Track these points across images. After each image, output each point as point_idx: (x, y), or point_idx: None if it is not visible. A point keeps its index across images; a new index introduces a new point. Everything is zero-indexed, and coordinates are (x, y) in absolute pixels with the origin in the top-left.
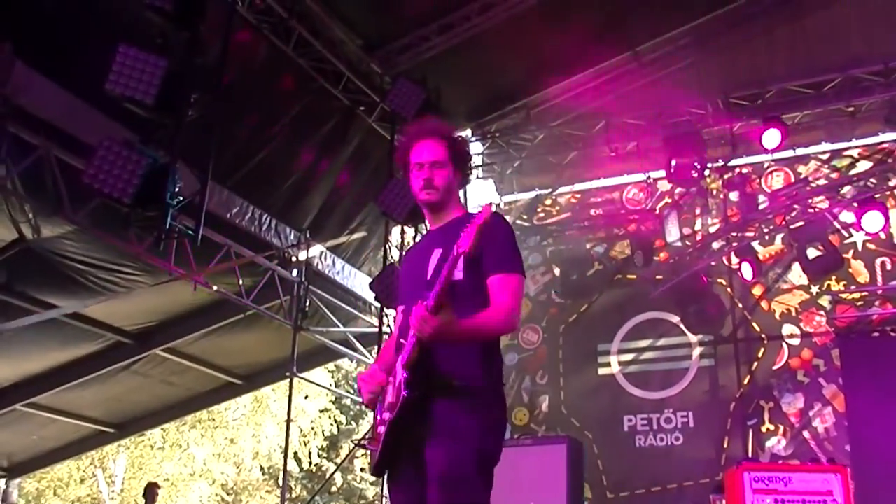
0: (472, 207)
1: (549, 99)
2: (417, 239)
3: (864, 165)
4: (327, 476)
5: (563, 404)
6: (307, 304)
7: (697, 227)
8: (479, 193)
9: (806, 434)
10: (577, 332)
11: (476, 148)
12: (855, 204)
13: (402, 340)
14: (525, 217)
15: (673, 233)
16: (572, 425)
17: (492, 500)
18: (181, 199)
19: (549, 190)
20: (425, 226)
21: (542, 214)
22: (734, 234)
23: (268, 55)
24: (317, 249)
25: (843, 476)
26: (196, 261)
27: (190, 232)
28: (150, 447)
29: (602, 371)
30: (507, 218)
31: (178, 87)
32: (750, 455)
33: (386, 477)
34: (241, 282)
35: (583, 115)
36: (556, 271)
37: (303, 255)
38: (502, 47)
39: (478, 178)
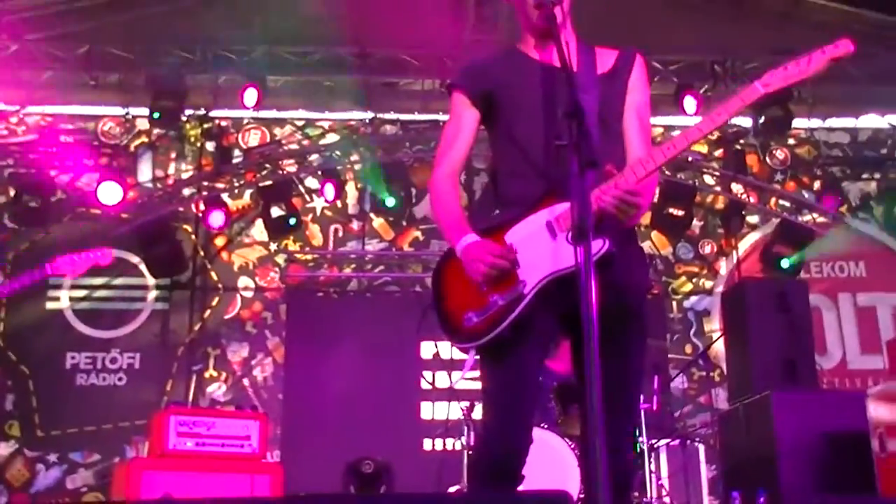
0: None
1: (30, 8)
2: None
3: (332, 138)
4: None
5: (2, 337)
6: None
7: (171, 171)
8: None
9: (246, 382)
10: (30, 262)
11: None
12: (319, 172)
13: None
14: None
15: (145, 173)
16: (9, 359)
17: None
18: None
19: (17, 108)
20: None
21: (4, 132)
22: (206, 183)
23: None
24: None
25: (263, 422)
26: None
27: None
28: None
29: (50, 305)
30: None
31: None
32: (191, 399)
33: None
34: None
35: (65, 35)
36: (12, 193)
37: None
38: None
39: None
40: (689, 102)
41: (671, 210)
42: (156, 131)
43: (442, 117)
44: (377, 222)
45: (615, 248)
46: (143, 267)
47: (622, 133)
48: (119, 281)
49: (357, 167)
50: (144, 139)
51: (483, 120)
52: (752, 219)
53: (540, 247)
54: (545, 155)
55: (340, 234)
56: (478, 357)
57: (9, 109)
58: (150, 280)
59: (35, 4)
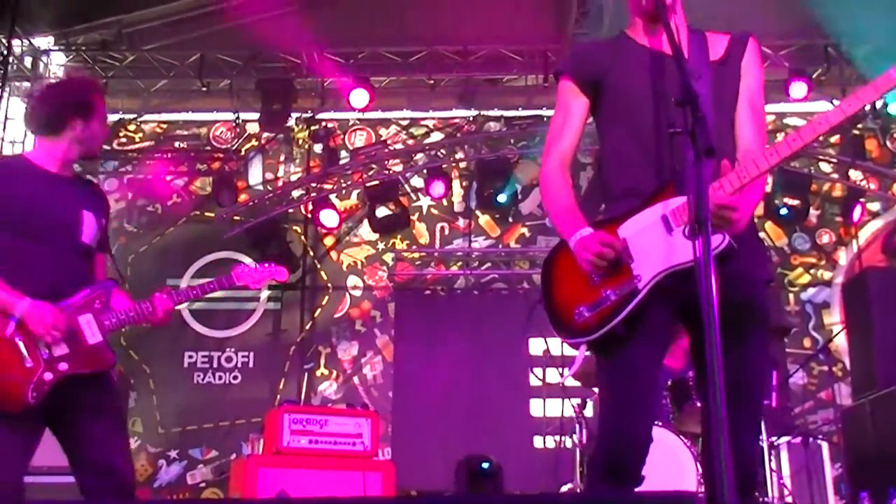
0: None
1: (145, 20)
2: None
3: (436, 137)
4: None
5: (123, 336)
6: None
7: (280, 173)
8: None
9: (356, 380)
10: (146, 264)
11: (58, 59)
12: (425, 171)
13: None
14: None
15: (255, 176)
16: (131, 358)
17: None
18: None
19: (134, 116)
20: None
21: (123, 140)
22: (314, 184)
23: None
24: None
25: (374, 420)
26: None
27: None
28: None
29: None
30: None
31: None
32: (303, 397)
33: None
34: None
35: (179, 44)
36: (129, 197)
37: None
38: None
39: None
40: (798, 88)
41: (786, 200)
42: (265, 135)
43: (546, 112)
44: (483, 219)
45: (734, 241)
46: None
47: (734, 120)
48: None
49: (462, 165)
50: (254, 143)
51: (591, 108)
52: (873, 206)
53: (655, 241)
54: (658, 144)
55: (447, 231)
56: (588, 353)
57: (127, 118)
58: None
59: (149, 17)
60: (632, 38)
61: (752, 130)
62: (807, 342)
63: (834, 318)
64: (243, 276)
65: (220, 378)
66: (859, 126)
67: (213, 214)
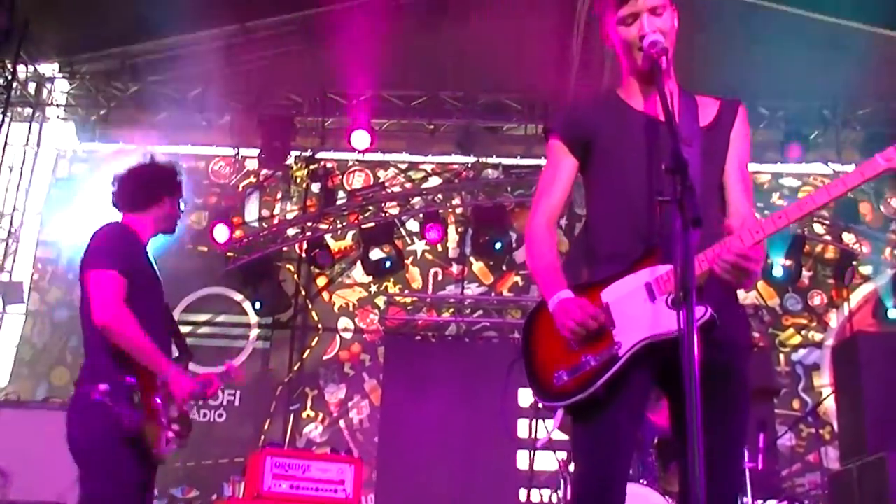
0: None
1: (149, 52)
2: None
3: (434, 181)
4: None
5: None
6: None
7: (277, 211)
8: (58, 135)
9: (342, 423)
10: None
11: (62, 87)
12: (421, 215)
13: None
14: (102, 169)
15: (252, 212)
16: None
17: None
18: None
19: (134, 146)
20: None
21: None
22: (309, 224)
23: None
24: None
25: (357, 467)
26: None
27: None
28: None
29: None
30: (84, 167)
31: None
32: (287, 439)
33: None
34: None
35: (181, 77)
36: None
37: None
38: None
39: (59, 118)
40: (795, 149)
41: (779, 260)
42: (264, 171)
43: (544, 162)
44: (477, 266)
45: (717, 309)
46: (246, 305)
47: (722, 186)
48: (222, 318)
49: (458, 211)
50: (252, 179)
51: (580, 168)
52: (865, 269)
53: (638, 308)
54: (645, 210)
55: (440, 277)
56: (566, 414)
57: (127, 148)
58: (253, 318)
59: (154, 50)
60: (624, 100)
61: (742, 195)
62: (796, 403)
63: (824, 380)
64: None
65: (206, 415)
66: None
67: (206, 249)
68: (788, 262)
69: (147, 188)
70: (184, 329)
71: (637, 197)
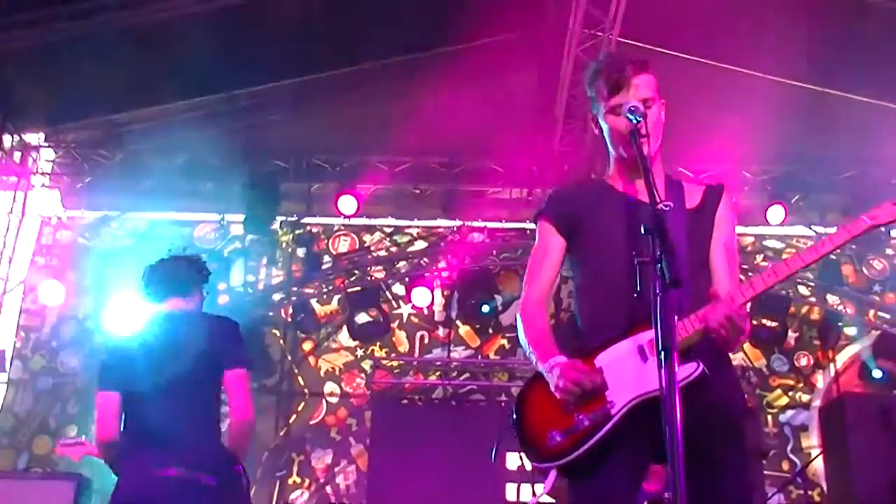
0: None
1: (134, 121)
2: None
3: (420, 245)
4: None
5: (91, 437)
6: None
7: (262, 276)
8: (42, 202)
9: (329, 489)
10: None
11: (47, 155)
12: (407, 279)
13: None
14: (87, 236)
15: (237, 277)
16: (92, 461)
17: None
18: None
19: (118, 213)
20: None
21: (106, 238)
22: (295, 288)
23: None
24: None
25: None
26: None
27: None
28: None
29: None
30: (69, 234)
31: None
32: None
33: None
34: None
35: (166, 147)
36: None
37: None
38: (97, 58)
39: (44, 186)
40: (776, 213)
41: (764, 321)
42: (249, 237)
43: (529, 225)
44: (463, 330)
45: (709, 370)
46: None
47: (709, 267)
48: None
49: (444, 274)
50: (238, 244)
51: (567, 248)
52: (850, 330)
53: (630, 370)
54: (630, 284)
55: (426, 340)
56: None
57: (111, 214)
58: None
59: (140, 118)
60: (611, 185)
61: (728, 275)
62: (785, 465)
63: (812, 440)
64: (65, 449)
65: None
66: (836, 251)
67: None
68: (774, 324)
69: (193, 277)
70: None
71: (621, 272)
